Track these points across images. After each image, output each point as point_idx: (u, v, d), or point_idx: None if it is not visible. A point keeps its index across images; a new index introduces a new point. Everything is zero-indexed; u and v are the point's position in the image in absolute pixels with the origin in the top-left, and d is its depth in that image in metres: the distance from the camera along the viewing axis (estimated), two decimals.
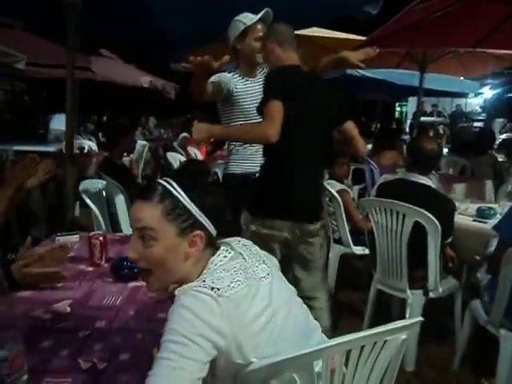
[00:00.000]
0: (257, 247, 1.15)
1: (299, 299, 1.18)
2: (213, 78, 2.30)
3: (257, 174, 2.32)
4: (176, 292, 0.97)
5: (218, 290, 0.93)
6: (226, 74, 2.36)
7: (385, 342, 1.01)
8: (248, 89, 2.39)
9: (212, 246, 1.07)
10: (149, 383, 0.84)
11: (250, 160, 2.41)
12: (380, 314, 2.61)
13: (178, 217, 1.00)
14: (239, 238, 1.16)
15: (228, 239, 1.14)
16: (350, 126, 2.15)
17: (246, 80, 2.40)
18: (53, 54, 4.90)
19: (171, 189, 1.01)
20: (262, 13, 2.25)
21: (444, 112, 12.29)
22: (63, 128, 3.39)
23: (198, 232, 1.02)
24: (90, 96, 6.16)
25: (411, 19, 3.63)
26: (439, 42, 4.27)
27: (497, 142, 6.52)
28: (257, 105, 2.29)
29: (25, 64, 4.77)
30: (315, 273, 2.14)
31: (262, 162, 2.13)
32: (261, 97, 2.30)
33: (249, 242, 1.15)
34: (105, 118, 8.90)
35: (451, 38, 4.10)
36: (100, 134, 7.06)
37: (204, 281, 0.96)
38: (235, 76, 2.39)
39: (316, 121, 1.99)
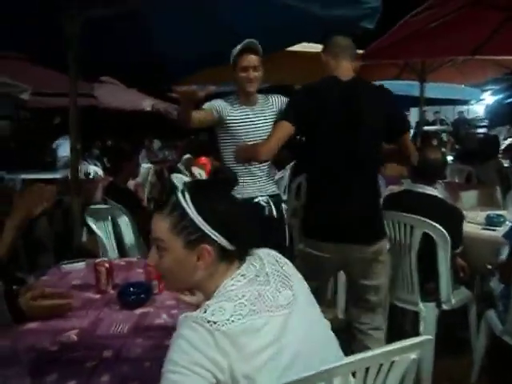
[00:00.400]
0: (289, 266, 1.09)
1: (326, 333, 1.09)
2: (206, 105, 2.34)
3: (255, 200, 2.34)
4: (179, 319, 0.95)
5: (215, 323, 0.90)
6: (221, 100, 2.37)
7: (392, 362, 0.97)
8: (242, 117, 2.36)
9: (228, 259, 1.03)
10: None
11: (249, 186, 2.37)
12: (393, 329, 2.56)
13: (185, 229, 1.00)
14: (272, 253, 1.11)
15: (261, 252, 1.09)
16: (406, 137, 2.10)
17: (243, 108, 2.38)
18: (56, 83, 4.99)
19: (182, 200, 1.00)
20: (242, 44, 2.25)
21: (447, 120, 12.29)
22: None
23: (205, 246, 1.00)
24: (94, 122, 6.24)
25: (408, 30, 3.66)
26: (437, 52, 4.29)
27: (502, 148, 6.50)
28: (252, 133, 2.36)
29: (29, 94, 4.86)
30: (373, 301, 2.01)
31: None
32: (258, 126, 2.38)
33: (282, 259, 1.10)
34: (109, 143, 8.98)
35: (449, 47, 4.12)
36: (105, 159, 7.11)
37: (205, 311, 0.93)
38: (232, 103, 2.38)
39: (356, 132, 1.91)
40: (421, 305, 2.35)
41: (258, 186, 2.39)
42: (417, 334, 2.36)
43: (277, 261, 1.08)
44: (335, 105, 1.92)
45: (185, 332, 0.91)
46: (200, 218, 0.99)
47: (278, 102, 2.46)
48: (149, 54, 3.65)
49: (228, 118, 2.36)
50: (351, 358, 0.92)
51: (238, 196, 2.37)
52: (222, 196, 1.05)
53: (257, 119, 2.38)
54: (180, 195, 1.00)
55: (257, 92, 2.42)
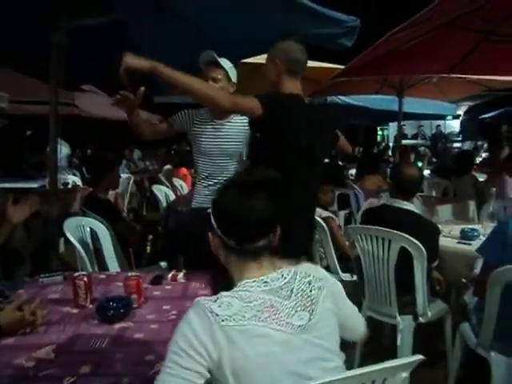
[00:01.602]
0: (321, 293, 1.08)
1: (332, 366, 1.05)
2: (173, 116, 2.38)
3: (208, 210, 2.30)
4: (195, 299, 1.05)
5: (217, 315, 0.97)
6: (191, 112, 2.38)
7: (384, 379, 0.99)
8: (208, 131, 2.35)
9: (235, 253, 1.11)
10: None
11: (204, 197, 2.39)
12: (371, 342, 2.59)
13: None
14: (313, 273, 1.11)
15: (301, 268, 1.12)
16: (340, 142, 2.21)
17: (211, 122, 2.36)
18: (36, 91, 4.93)
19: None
20: (201, 56, 2.28)
21: (425, 134, 12.56)
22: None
23: (214, 235, 1.14)
24: (74, 131, 6.17)
25: (387, 48, 3.75)
26: (415, 70, 4.41)
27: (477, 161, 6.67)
28: (216, 148, 2.35)
29: (7, 102, 4.78)
30: None
31: None
32: (223, 140, 2.36)
33: (317, 284, 1.09)
34: (89, 152, 8.88)
35: (426, 64, 4.24)
36: (84, 169, 7.03)
37: (216, 300, 1.01)
38: (202, 115, 2.38)
39: (312, 151, 1.94)
40: (398, 318, 2.39)
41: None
42: (394, 346, 2.39)
43: (310, 282, 1.09)
44: (298, 124, 1.90)
45: (190, 315, 1.01)
46: (211, 214, 1.14)
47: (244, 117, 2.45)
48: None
49: (192, 130, 2.38)
50: (344, 374, 0.94)
51: (194, 205, 2.43)
52: (232, 197, 1.11)
53: (221, 133, 2.37)
54: None
55: None
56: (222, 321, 0.96)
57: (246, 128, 2.40)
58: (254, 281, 1.05)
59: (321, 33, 2.67)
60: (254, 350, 0.96)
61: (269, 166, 1.81)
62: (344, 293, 1.19)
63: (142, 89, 2.05)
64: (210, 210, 1.16)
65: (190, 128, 2.38)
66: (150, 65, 1.80)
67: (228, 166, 2.40)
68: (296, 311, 1.02)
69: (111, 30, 3.06)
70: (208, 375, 0.97)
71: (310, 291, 1.07)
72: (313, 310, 1.04)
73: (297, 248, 1.90)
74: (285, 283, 1.06)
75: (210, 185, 2.40)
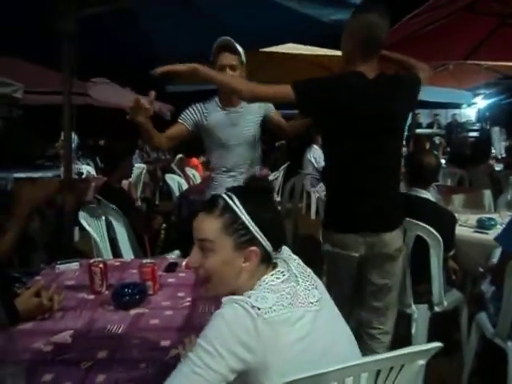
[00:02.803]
0: (310, 271, 1.13)
1: (349, 336, 1.13)
2: (180, 117, 2.31)
3: None
4: (223, 299, 1.00)
5: (259, 309, 0.95)
6: (197, 106, 2.31)
7: (402, 366, 0.98)
8: (220, 119, 2.29)
9: (267, 262, 1.09)
10: (171, 376, 0.94)
11: (224, 186, 2.35)
12: None
13: (236, 231, 1.04)
14: (296, 258, 1.15)
15: (287, 257, 1.14)
16: None
17: (222, 110, 2.31)
18: (50, 81, 4.96)
19: (232, 203, 1.06)
20: (217, 42, 2.20)
21: (440, 123, 12.39)
22: None
23: (254, 248, 1.05)
24: (88, 121, 6.21)
25: (404, 33, 3.69)
26: (431, 56, 4.32)
27: (502, 151, 6.52)
28: (233, 136, 2.28)
29: (23, 92, 4.82)
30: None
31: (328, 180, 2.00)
32: (239, 127, 2.29)
33: (304, 266, 1.14)
34: (102, 142, 8.93)
35: (443, 51, 4.16)
36: (98, 159, 7.08)
37: (249, 296, 0.98)
38: (212, 105, 2.32)
39: (384, 139, 1.80)
40: (413, 307, 2.37)
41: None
42: (409, 335, 2.38)
43: (299, 264, 1.12)
44: (363, 100, 1.74)
45: (226, 312, 0.96)
46: (251, 221, 1.05)
47: (264, 103, 2.39)
48: (143, 52, 3.65)
49: (206, 123, 2.29)
50: (364, 360, 0.94)
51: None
52: (265, 202, 1.11)
53: (237, 121, 2.31)
54: (228, 199, 1.06)
55: None
56: (265, 313, 0.94)
57: (258, 111, 2.38)
58: (272, 275, 1.06)
59: (332, 19, 2.62)
60: (294, 336, 0.96)
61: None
62: None
63: (153, 94, 1.93)
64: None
65: (203, 122, 2.29)
66: (190, 67, 1.78)
67: (250, 153, 2.36)
68: (308, 291, 1.04)
69: (121, 18, 3.06)
70: (231, 379, 0.94)
71: (306, 270, 1.12)
72: (316, 286, 1.08)
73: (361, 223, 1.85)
74: (288, 271, 1.08)
75: (231, 176, 2.35)
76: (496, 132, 10.35)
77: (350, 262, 1.87)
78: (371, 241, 1.83)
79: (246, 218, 1.04)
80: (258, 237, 1.05)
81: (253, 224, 1.05)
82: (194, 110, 2.31)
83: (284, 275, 1.05)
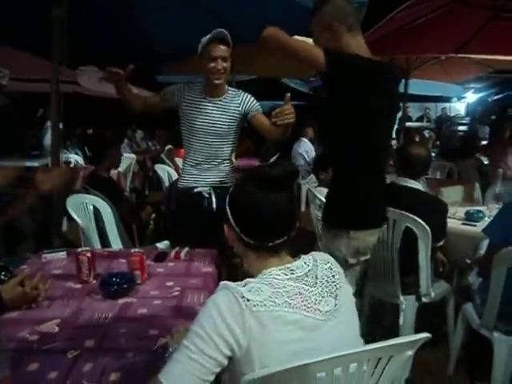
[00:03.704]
0: (341, 277, 1.08)
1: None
2: (165, 88, 2.39)
3: (195, 190, 2.35)
4: (220, 283, 1.01)
5: (248, 300, 0.94)
6: (182, 85, 2.37)
7: (390, 357, 0.98)
8: (197, 106, 2.33)
9: (256, 250, 1.08)
10: (167, 364, 0.94)
11: (189, 176, 2.41)
12: (372, 321, 2.60)
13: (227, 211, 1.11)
14: (330, 262, 1.10)
15: (318, 255, 1.10)
16: None
17: (203, 98, 2.34)
18: (37, 68, 4.87)
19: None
20: (212, 33, 2.19)
21: (430, 117, 12.45)
22: None
23: (230, 230, 1.10)
24: (76, 109, 6.12)
25: (394, 26, 3.68)
26: (422, 49, 4.34)
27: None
28: (205, 125, 2.32)
29: (8, 79, 4.72)
30: None
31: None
32: (213, 119, 2.31)
33: (337, 269, 1.09)
34: (90, 131, 8.83)
35: (433, 44, 4.16)
36: (86, 148, 7.00)
37: (245, 285, 0.98)
38: (195, 90, 2.36)
39: (387, 117, 1.81)
40: (401, 298, 2.38)
41: (203, 176, 2.39)
42: (396, 326, 2.40)
43: (331, 268, 1.08)
44: (374, 91, 1.70)
45: (218, 298, 0.97)
46: (227, 208, 1.10)
47: (247, 102, 2.38)
48: (134, 41, 3.61)
49: (183, 105, 2.35)
50: (352, 350, 0.93)
51: (181, 185, 2.44)
52: (248, 191, 1.08)
53: (213, 112, 2.33)
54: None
55: (239, 83, 2.40)
56: (254, 306, 0.93)
57: (238, 109, 2.37)
58: (280, 269, 1.03)
59: None
60: (285, 336, 0.94)
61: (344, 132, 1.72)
62: None
63: (131, 66, 2.08)
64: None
65: (180, 102, 2.36)
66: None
67: (218, 145, 2.37)
68: (322, 297, 1.01)
69: (113, 6, 3.01)
70: (225, 364, 0.95)
71: (333, 276, 1.07)
72: (337, 295, 1.04)
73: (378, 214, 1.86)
74: (309, 270, 1.05)
75: (197, 164, 2.39)
76: (482, 129, 10.44)
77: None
78: (380, 233, 1.88)
79: (227, 198, 1.10)
80: (230, 218, 1.09)
81: (228, 211, 1.10)
82: (177, 88, 2.38)
83: (294, 273, 1.02)
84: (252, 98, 2.41)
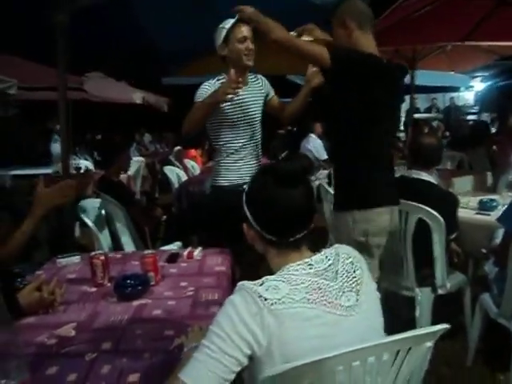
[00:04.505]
0: (363, 271, 1.06)
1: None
2: (198, 94, 2.24)
3: (244, 186, 2.24)
4: (238, 284, 1.00)
5: (265, 300, 0.94)
6: (207, 86, 2.25)
7: (409, 349, 0.97)
8: (234, 98, 2.23)
9: (277, 246, 1.07)
10: (189, 363, 0.94)
11: (236, 172, 2.33)
12: (389, 315, 2.58)
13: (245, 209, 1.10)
14: (353, 253, 1.09)
15: (341, 249, 1.09)
16: None
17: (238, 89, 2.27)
18: (43, 77, 4.92)
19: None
20: (237, 16, 2.15)
21: (438, 107, 12.33)
22: None
23: (248, 227, 1.10)
24: (84, 115, 6.18)
25: (399, 16, 3.65)
26: (428, 38, 4.29)
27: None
28: (242, 115, 2.28)
29: (16, 88, 4.78)
30: None
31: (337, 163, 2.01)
32: (248, 106, 2.29)
33: (359, 264, 1.07)
34: (99, 137, 8.90)
35: (439, 33, 4.12)
36: (95, 153, 7.06)
37: (262, 283, 0.97)
38: (220, 84, 2.27)
39: (391, 111, 1.89)
40: (417, 290, 2.36)
41: (247, 170, 2.33)
42: (412, 319, 2.38)
43: (352, 263, 1.07)
44: (382, 86, 1.76)
45: (236, 298, 0.96)
46: (246, 205, 1.09)
47: (266, 83, 2.44)
48: (138, 44, 3.62)
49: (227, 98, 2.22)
50: (370, 343, 0.92)
51: (228, 183, 2.33)
52: (265, 188, 1.07)
53: (248, 99, 2.31)
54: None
55: None
56: (272, 305, 0.93)
57: (262, 91, 2.40)
58: (299, 264, 1.02)
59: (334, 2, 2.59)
60: (305, 332, 0.94)
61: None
62: None
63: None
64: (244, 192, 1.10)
65: None
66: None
67: (253, 135, 2.36)
68: (343, 292, 1.00)
69: (114, 8, 3.02)
70: (246, 363, 0.94)
71: (354, 272, 1.05)
72: (358, 291, 1.02)
73: (381, 194, 1.88)
74: (329, 265, 1.03)
75: (238, 159, 2.33)
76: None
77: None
78: (393, 214, 1.91)
79: (244, 196, 1.09)
80: (249, 217, 1.08)
81: (245, 206, 1.09)
82: (209, 87, 2.25)
83: (312, 268, 1.01)
84: (266, 79, 2.44)
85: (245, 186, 1.14)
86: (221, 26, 2.23)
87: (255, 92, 2.37)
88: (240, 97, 2.26)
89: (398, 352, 0.97)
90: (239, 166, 2.33)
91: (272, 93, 2.47)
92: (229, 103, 2.23)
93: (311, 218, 1.09)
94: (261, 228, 1.06)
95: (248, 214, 1.08)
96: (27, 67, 5.06)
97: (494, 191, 3.49)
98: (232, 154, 2.33)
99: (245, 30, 2.19)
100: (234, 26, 2.18)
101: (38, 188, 1.78)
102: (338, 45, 1.80)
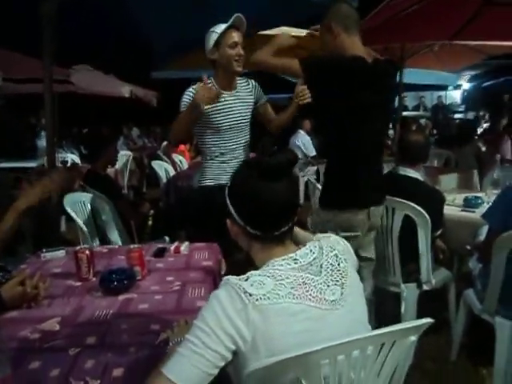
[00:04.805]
0: (348, 264, 1.06)
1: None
2: (182, 107, 2.22)
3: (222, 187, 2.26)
4: (223, 278, 1.00)
5: (250, 295, 0.93)
6: (193, 89, 2.21)
7: (394, 343, 0.98)
8: (219, 104, 2.24)
9: (261, 240, 1.06)
10: (172, 358, 0.93)
11: (221, 174, 2.33)
12: (374, 311, 2.60)
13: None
14: (338, 250, 1.08)
15: (325, 242, 1.09)
16: None
17: (221, 94, 2.25)
18: (29, 69, 4.84)
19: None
20: (232, 18, 2.16)
21: (426, 105, 12.43)
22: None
23: (231, 222, 1.09)
24: (71, 109, 6.10)
25: (388, 14, 3.66)
26: (416, 37, 4.32)
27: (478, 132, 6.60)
28: (229, 120, 2.28)
29: (1, 80, 4.70)
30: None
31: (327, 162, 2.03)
32: (236, 112, 2.29)
33: (343, 256, 1.07)
34: (86, 130, 8.81)
35: (428, 31, 4.15)
36: (82, 147, 6.99)
37: (247, 279, 0.97)
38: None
39: (380, 111, 1.89)
40: (402, 286, 2.39)
41: (228, 172, 2.29)
42: (397, 314, 2.40)
43: (336, 255, 1.06)
44: (365, 87, 1.80)
45: (221, 293, 0.95)
46: (228, 202, 1.08)
47: (257, 89, 2.42)
48: (127, 38, 3.58)
49: (204, 107, 2.21)
50: (355, 337, 0.92)
51: (213, 183, 2.33)
52: (248, 181, 1.06)
53: (235, 105, 2.31)
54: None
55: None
56: (257, 300, 0.92)
57: (251, 96, 2.39)
58: (283, 259, 1.02)
59: None
60: (290, 328, 0.93)
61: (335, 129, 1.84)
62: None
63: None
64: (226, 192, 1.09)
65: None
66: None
67: (239, 140, 2.35)
68: (328, 286, 1.00)
69: (104, 2, 2.98)
70: (230, 358, 0.94)
71: (339, 264, 1.05)
72: (343, 284, 1.02)
73: (363, 197, 1.91)
74: (313, 259, 1.03)
75: (222, 162, 2.33)
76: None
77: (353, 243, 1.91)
78: (373, 214, 1.92)
79: (227, 191, 1.09)
80: (232, 212, 1.07)
81: (228, 197, 1.08)
82: (191, 93, 2.22)
83: (297, 263, 1.01)
84: (259, 86, 2.42)
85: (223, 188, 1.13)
86: (211, 29, 2.22)
87: (243, 97, 2.35)
88: (226, 103, 2.28)
89: (382, 346, 0.98)
90: (224, 168, 2.32)
91: (263, 100, 2.44)
92: (213, 109, 2.22)
93: (295, 211, 1.08)
94: (244, 223, 1.06)
95: (231, 208, 1.07)
96: (12, 58, 4.97)
97: (480, 188, 3.54)
98: (217, 157, 2.33)
99: (236, 36, 2.19)
100: (225, 31, 2.18)
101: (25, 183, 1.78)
102: (310, 55, 1.88)
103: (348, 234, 1.82)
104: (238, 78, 2.38)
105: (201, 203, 2.37)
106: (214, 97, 2.08)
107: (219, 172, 2.33)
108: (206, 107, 2.08)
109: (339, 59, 1.83)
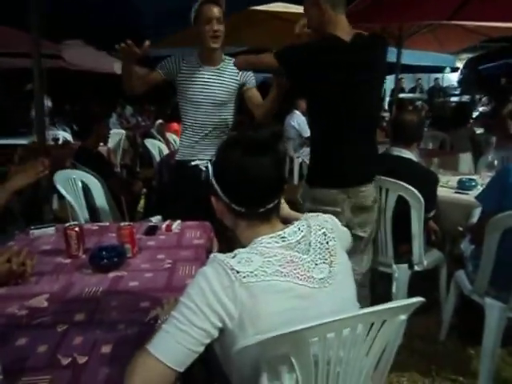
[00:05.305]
0: (336, 243, 1.05)
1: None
2: (158, 65, 2.31)
3: (192, 163, 2.31)
4: (210, 255, 0.99)
5: (237, 272, 0.92)
6: (176, 57, 2.29)
7: (384, 321, 0.97)
8: (194, 76, 2.26)
9: (243, 216, 1.05)
10: (157, 334, 0.92)
11: (198, 149, 2.34)
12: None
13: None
14: (326, 228, 1.06)
15: (314, 220, 1.07)
16: None
17: (199, 67, 2.28)
18: (20, 42, 4.72)
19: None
20: None
21: (423, 87, 12.36)
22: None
23: (216, 198, 1.07)
24: (63, 86, 5.99)
25: None
26: (414, 16, 4.23)
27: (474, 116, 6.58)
28: (209, 95, 2.28)
29: None
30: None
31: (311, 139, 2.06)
32: (212, 88, 2.29)
33: (332, 234, 1.06)
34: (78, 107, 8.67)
35: (426, 11, 4.06)
36: (74, 125, 6.88)
37: (234, 256, 0.96)
38: (190, 61, 2.30)
39: (365, 88, 1.87)
40: (394, 266, 2.39)
41: (201, 148, 2.34)
42: (389, 295, 2.41)
43: (324, 234, 1.05)
44: (342, 67, 1.80)
45: (207, 270, 0.94)
46: (213, 178, 1.06)
47: (246, 72, 2.35)
48: (120, 14, 3.49)
49: (179, 76, 2.29)
50: (345, 315, 0.91)
51: (178, 158, 2.40)
52: (233, 157, 1.03)
53: (212, 81, 2.29)
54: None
55: (228, 54, 2.35)
56: (244, 277, 0.91)
57: (236, 77, 2.34)
58: (271, 237, 1.00)
59: None
60: (277, 305, 0.93)
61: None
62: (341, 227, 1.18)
63: (147, 43, 1.97)
64: (200, 166, 1.09)
65: (176, 74, 2.30)
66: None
67: (217, 115, 2.32)
68: (316, 264, 0.99)
69: None
70: (216, 335, 0.93)
71: (327, 243, 1.04)
72: (332, 262, 1.01)
73: (343, 177, 1.92)
74: (302, 237, 1.02)
75: (196, 135, 2.34)
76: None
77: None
78: (354, 194, 1.91)
79: (211, 167, 1.08)
80: (217, 188, 1.05)
81: (212, 173, 1.07)
82: (172, 60, 2.30)
83: (285, 241, 1.00)
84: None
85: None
86: (195, 5, 2.17)
87: (226, 75, 2.32)
88: (205, 77, 2.28)
89: (372, 325, 0.97)
90: (200, 143, 2.34)
91: (251, 84, 2.38)
92: (191, 82, 2.27)
93: (282, 187, 1.07)
94: (229, 200, 1.04)
95: (216, 185, 1.06)
96: (4, 32, 4.83)
97: (474, 171, 3.53)
98: (191, 128, 2.34)
99: (210, 11, 2.14)
100: (200, 6, 2.15)
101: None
102: (283, 47, 1.87)
103: (328, 208, 1.85)
104: (227, 57, 2.35)
105: (177, 179, 2.42)
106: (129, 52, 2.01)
107: (193, 146, 2.35)
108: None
109: (311, 43, 1.88)
